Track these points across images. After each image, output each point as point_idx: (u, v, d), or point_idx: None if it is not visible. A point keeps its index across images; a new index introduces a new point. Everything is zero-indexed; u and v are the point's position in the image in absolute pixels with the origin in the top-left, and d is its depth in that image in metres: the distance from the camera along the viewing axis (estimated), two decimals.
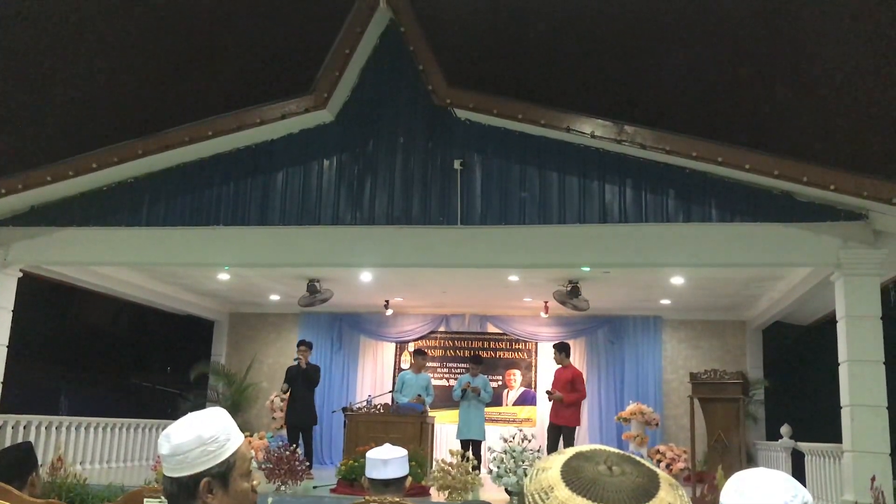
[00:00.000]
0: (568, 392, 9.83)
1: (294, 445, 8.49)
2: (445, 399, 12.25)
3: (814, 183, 7.11)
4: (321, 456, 12.18)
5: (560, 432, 9.58)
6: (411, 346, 12.68)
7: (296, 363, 10.36)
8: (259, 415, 12.66)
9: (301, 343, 10.63)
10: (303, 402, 10.20)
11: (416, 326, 12.73)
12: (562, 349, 10.32)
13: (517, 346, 12.50)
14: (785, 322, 11.69)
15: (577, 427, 10.12)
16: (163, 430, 1.71)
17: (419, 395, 9.94)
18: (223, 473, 1.68)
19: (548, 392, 10.07)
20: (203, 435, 1.67)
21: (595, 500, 0.88)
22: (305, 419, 10.18)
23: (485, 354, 12.44)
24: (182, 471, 1.65)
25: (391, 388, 11.30)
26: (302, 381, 10.25)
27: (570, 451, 0.97)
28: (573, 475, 0.91)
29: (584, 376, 12.29)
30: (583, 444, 1.00)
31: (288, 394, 10.49)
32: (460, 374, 12.57)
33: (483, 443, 10.23)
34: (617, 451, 0.96)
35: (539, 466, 0.96)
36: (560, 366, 10.20)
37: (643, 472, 0.92)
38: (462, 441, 9.95)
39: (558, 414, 9.88)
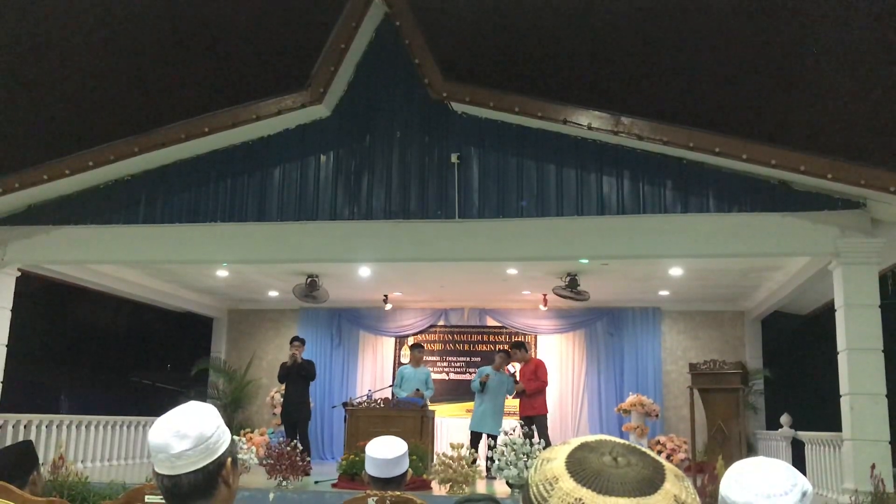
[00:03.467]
0: (532, 382, 9.90)
1: (291, 440, 8.49)
2: (446, 392, 12.26)
3: (811, 172, 7.11)
4: (322, 451, 12.20)
5: (532, 423, 9.58)
6: (411, 341, 12.69)
7: (290, 360, 10.36)
8: (259, 411, 12.67)
9: (294, 339, 10.65)
10: (295, 398, 10.23)
11: (415, 321, 12.73)
12: (518, 347, 10.45)
13: (517, 340, 12.51)
14: (784, 312, 11.70)
15: (547, 414, 10.13)
16: None
17: (417, 390, 9.93)
18: (233, 451, 1.73)
19: (515, 383, 10.15)
20: (213, 419, 1.70)
21: (600, 492, 0.87)
22: (298, 414, 10.21)
23: (484, 348, 12.45)
24: (207, 458, 1.66)
25: (391, 383, 11.31)
26: (296, 377, 10.27)
27: (576, 442, 0.96)
28: (578, 466, 0.91)
29: (583, 368, 12.36)
30: (587, 435, 0.99)
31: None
32: (459, 367, 12.58)
33: (484, 437, 10.19)
34: (622, 441, 0.96)
35: (543, 457, 0.96)
36: (524, 362, 10.27)
37: (649, 463, 0.92)
38: (473, 432, 9.91)
39: (526, 406, 9.93)
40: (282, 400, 11.82)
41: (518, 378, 10.26)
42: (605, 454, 0.92)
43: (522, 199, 7.92)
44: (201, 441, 1.66)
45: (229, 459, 1.70)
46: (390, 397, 10.24)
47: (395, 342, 12.90)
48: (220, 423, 1.71)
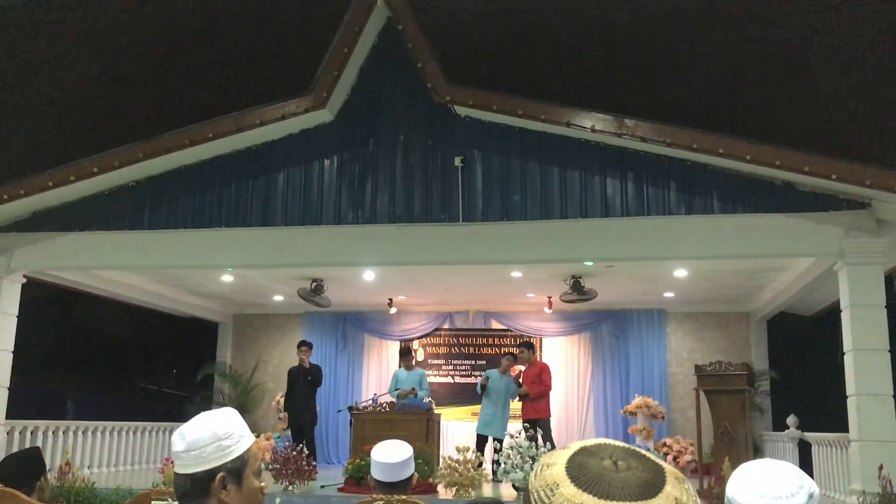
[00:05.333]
0: (536, 386, 9.86)
1: (297, 445, 8.49)
2: (451, 395, 12.27)
3: (815, 173, 7.09)
4: (327, 455, 12.20)
5: (536, 426, 9.54)
6: (415, 344, 12.69)
7: (299, 365, 10.38)
8: (265, 415, 12.68)
9: (302, 343, 10.64)
10: (302, 402, 10.24)
11: (420, 324, 12.74)
12: (528, 347, 10.38)
13: (525, 340, 12.49)
14: (789, 312, 11.68)
15: (550, 418, 10.10)
16: (169, 432, 1.74)
17: (413, 388, 9.95)
18: (238, 469, 1.71)
19: (518, 385, 10.12)
20: (219, 431, 1.70)
21: (601, 497, 0.87)
22: (305, 419, 10.22)
23: (489, 351, 12.44)
24: (198, 466, 1.68)
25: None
26: (303, 381, 10.28)
27: (576, 446, 0.96)
28: (578, 471, 0.91)
29: (589, 370, 12.34)
30: (588, 439, 0.99)
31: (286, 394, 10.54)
32: (464, 370, 12.58)
33: (490, 440, 10.18)
34: (622, 444, 0.96)
35: (543, 462, 0.96)
36: (528, 363, 10.24)
37: (649, 466, 0.92)
38: (479, 436, 9.90)
39: (529, 409, 9.89)
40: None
41: (521, 380, 10.24)
42: (605, 458, 0.92)
43: (517, 203, 7.91)
44: (193, 447, 1.68)
45: (222, 475, 1.68)
46: (395, 401, 10.23)
47: (400, 346, 12.89)
48: (225, 438, 1.70)
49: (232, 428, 1.72)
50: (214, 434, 1.69)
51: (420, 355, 12.73)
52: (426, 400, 9.98)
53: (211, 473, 1.67)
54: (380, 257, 8.55)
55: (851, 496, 7.00)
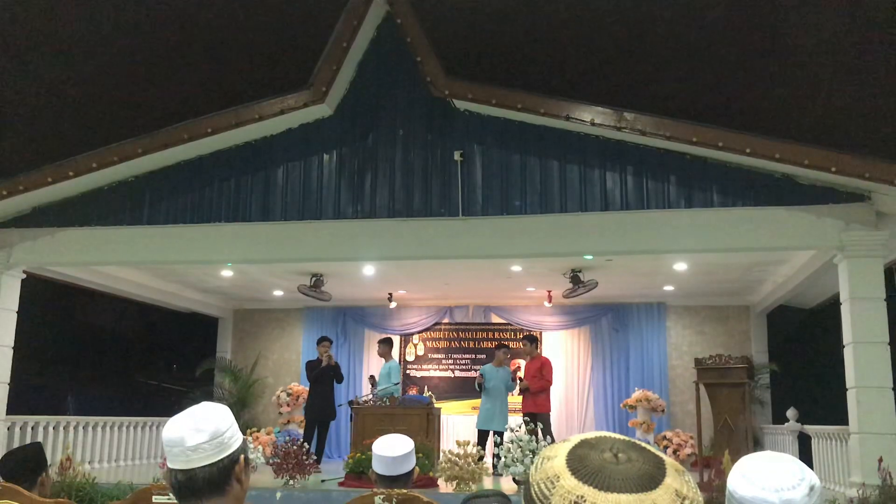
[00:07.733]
0: (537, 380, 9.86)
1: (310, 439, 8.48)
2: (451, 390, 12.27)
3: (815, 165, 7.09)
4: (328, 449, 12.22)
5: (535, 420, 9.54)
6: (415, 339, 12.69)
7: (318, 359, 10.40)
8: (266, 410, 12.69)
9: (324, 339, 10.65)
10: (324, 397, 10.27)
11: (420, 318, 12.74)
12: (531, 341, 10.36)
13: (529, 334, 12.48)
14: (789, 305, 11.68)
15: (550, 412, 10.09)
16: None
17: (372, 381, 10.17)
18: (246, 449, 1.77)
19: (519, 379, 10.10)
20: (227, 416, 1.74)
21: (602, 489, 0.87)
22: (325, 414, 10.26)
23: (489, 345, 12.44)
24: (221, 453, 1.70)
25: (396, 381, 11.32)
26: (328, 377, 10.31)
27: (576, 439, 0.96)
28: (579, 464, 0.91)
29: (589, 364, 12.35)
30: (589, 432, 1.00)
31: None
32: (465, 364, 12.58)
33: (492, 433, 10.18)
34: (622, 437, 0.96)
35: (544, 455, 0.96)
36: (530, 357, 10.23)
37: (649, 458, 0.92)
38: (481, 431, 9.90)
39: (529, 403, 9.87)
40: (288, 399, 11.86)
41: (522, 374, 10.23)
42: (605, 451, 0.92)
43: (518, 199, 7.91)
44: (216, 435, 1.69)
45: (242, 457, 1.73)
46: (395, 395, 10.25)
47: (401, 340, 12.90)
48: (233, 422, 1.75)
49: (230, 413, 1.77)
50: (226, 419, 1.72)
51: (420, 349, 12.74)
52: (426, 394, 10.00)
53: (233, 457, 1.71)
54: (379, 252, 8.55)
55: (851, 488, 7.02)
